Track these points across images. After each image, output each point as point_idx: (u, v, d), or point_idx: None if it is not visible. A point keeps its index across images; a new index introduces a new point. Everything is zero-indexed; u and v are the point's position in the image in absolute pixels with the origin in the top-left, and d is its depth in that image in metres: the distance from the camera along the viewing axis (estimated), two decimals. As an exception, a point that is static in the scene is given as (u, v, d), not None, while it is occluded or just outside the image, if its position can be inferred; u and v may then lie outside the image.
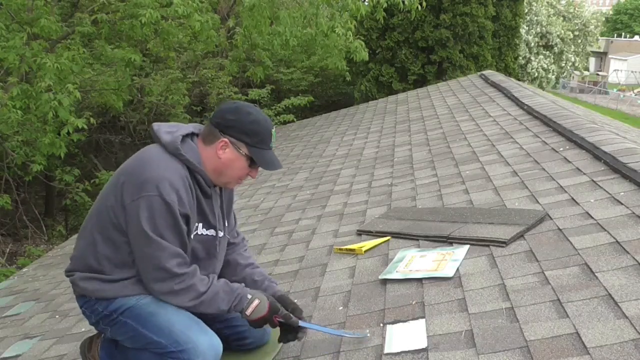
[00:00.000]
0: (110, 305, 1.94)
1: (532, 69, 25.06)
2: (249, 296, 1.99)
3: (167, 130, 1.98)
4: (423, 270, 2.45)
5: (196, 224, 1.99)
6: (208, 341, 1.93)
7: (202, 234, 2.01)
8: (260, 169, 2.06)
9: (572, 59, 27.41)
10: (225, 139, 1.96)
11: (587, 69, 42.84)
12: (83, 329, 2.83)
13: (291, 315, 2.04)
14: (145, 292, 1.95)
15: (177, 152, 1.92)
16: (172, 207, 1.84)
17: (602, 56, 54.73)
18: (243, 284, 2.05)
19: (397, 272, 2.50)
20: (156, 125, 2.01)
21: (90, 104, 9.25)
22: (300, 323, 2.06)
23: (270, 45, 8.87)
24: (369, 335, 2.08)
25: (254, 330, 2.14)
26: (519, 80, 11.76)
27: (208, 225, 2.03)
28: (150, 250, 1.86)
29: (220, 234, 2.09)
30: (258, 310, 1.98)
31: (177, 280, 1.89)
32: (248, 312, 1.98)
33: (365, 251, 2.90)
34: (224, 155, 1.97)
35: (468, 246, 2.62)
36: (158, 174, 1.85)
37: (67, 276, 2.05)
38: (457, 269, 2.41)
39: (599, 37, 33.45)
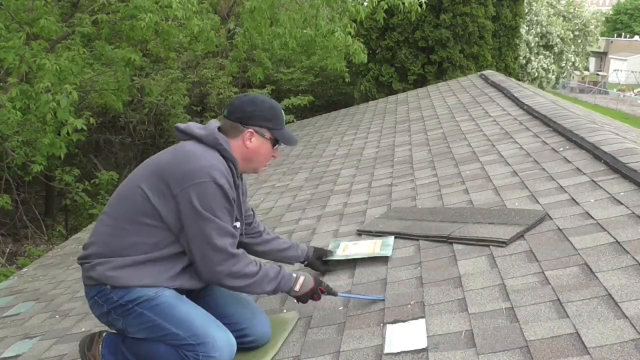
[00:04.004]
0: (127, 295, 1.96)
1: (532, 69, 25.06)
2: (294, 275, 2.17)
3: (198, 127, 2.11)
4: (362, 253, 2.68)
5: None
6: (226, 338, 1.99)
7: (234, 225, 2.10)
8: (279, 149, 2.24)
9: (572, 59, 27.42)
10: (251, 129, 2.11)
11: (587, 69, 42.84)
12: (83, 329, 2.83)
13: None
14: (166, 285, 1.99)
15: (216, 143, 2.04)
16: (225, 190, 1.96)
17: (602, 56, 54.75)
18: (283, 266, 2.19)
19: (337, 255, 2.71)
20: (183, 125, 2.13)
21: (90, 104, 9.25)
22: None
23: (270, 46, 8.87)
24: (383, 298, 2.30)
25: (256, 329, 2.19)
26: (519, 80, 11.75)
27: (236, 217, 2.13)
28: (207, 230, 1.94)
29: (238, 224, 2.17)
30: (305, 285, 2.17)
31: (234, 261, 2.00)
32: (297, 288, 2.16)
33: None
34: (251, 144, 2.12)
35: (393, 236, 2.88)
36: (205, 163, 1.97)
37: (82, 263, 2.06)
38: (392, 249, 2.71)
39: (599, 37, 33.43)
